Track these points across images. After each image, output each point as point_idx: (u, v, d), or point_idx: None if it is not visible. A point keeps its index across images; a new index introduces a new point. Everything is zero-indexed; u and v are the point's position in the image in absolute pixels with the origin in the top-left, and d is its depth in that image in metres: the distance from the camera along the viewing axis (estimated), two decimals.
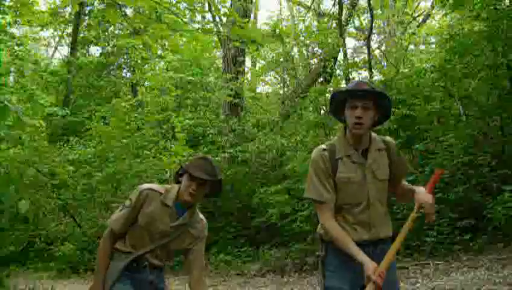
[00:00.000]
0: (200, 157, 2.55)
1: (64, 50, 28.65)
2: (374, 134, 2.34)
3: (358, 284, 2.14)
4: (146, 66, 15.57)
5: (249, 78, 15.69)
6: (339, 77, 10.85)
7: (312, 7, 14.14)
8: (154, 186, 2.53)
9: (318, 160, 2.27)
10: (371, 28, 10.14)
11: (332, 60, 10.72)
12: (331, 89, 10.45)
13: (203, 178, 2.39)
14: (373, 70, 9.53)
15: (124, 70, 18.65)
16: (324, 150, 2.28)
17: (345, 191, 2.24)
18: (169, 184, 2.62)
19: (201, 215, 2.62)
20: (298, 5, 16.07)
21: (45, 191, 11.16)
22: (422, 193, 2.23)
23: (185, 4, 5.27)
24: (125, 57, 17.38)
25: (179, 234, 2.48)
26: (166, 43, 13.26)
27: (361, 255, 2.13)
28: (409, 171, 2.62)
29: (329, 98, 2.45)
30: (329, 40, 10.49)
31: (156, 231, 2.45)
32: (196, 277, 2.55)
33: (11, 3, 10.70)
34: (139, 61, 15.56)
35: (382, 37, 15.81)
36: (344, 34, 10.71)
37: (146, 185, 2.52)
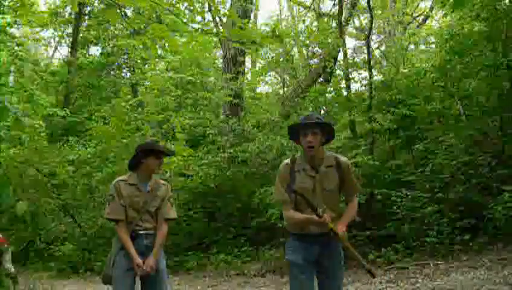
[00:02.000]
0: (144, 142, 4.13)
1: (64, 50, 28.72)
2: (329, 153, 3.04)
3: (308, 259, 2.97)
4: (146, 66, 15.56)
5: (249, 78, 15.68)
6: (338, 77, 10.84)
7: (312, 7, 14.14)
8: (119, 177, 3.49)
9: (282, 170, 3.01)
10: (371, 28, 10.12)
11: (332, 60, 10.71)
12: (331, 89, 10.46)
13: (160, 150, 3.58)
14: (373, 70, 9.51)
15: (124, 71, 18.64)
16: (287, 163, 3.01)
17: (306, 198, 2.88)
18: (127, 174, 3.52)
19: (163, 181, 3.60)
20: (298, 5, 16.07)
21: (45, 191, 11.16)
22: (340, 224, 2.93)
23: (185, 4, 5.28)
24: (125, 57, 17.38)
25: (151, 198, 3.42)
26: (166, 44, 13.28)
27: (309, 217, 2.87)
28: (358, 192, 3.30)
29: (287, 128, 3.16)
30: (329, 40, 10.48)
31: (136, 204, 3.37)
32: (159, 222, 3.44)
33: (11, 4, 10.71)
34: (139, 61, 15.56)
35: (382, 37, 15.82)
36: (344, 34, 10.69)
37: (115, 180, 3.46)
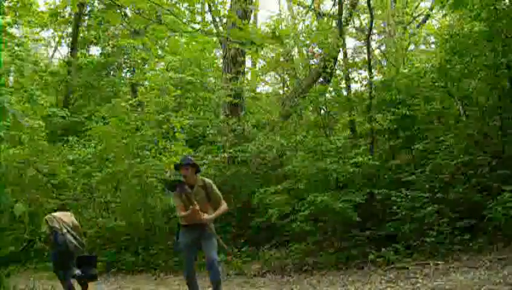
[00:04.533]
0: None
1: (64, 50, 28.70)
2: (200, 178, 4.91)
3: (192, 239, 4.81)
4: (146, 66, 15.56)
5: (249, 78, 15.67)
6: (338, 77, 10.84)
7: (312, 7, 14.13)
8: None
9: (177, 192, 4.78)
10: (371, 28, 10.12)
11: (332, 60, 10.71)
12: (331, 89, 10.46)
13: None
14: (373, 70, 9.51)
15: (124, 71, 18.63)
16: (181, 187, 4.73)
17: (186, 204, 4.72)
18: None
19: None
20: (298, 5, 16.06)
21: (45, 191, 11.15)
22: (207, 215, 4.78)
23: (185, 4, 5.28)
24: (125, 57, 17.37)
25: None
26: (166, 44, 13.28)
27: (189, 212, 4.70)
28: (220, 200, 4.96)
29: (174, 167, 5.21)
30: (329, 40, 10.48)
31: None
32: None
33: (11, 4, 10.70)
34: (139, 61, 15.55)
35: (382, 37, 15.80)
36: (344, 34, 10.69)
37: None
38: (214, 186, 4.87)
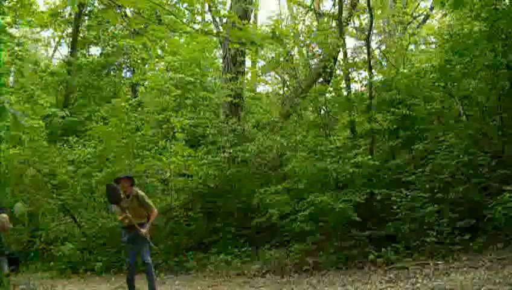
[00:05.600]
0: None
1: (64, 50, 28.72)
2: (135, 190, 6.01)
3: (129, 238, 5.88)
4: (146, 66, 15.56)
5: (249, 78, 15.67)
6: (338, 77, 10.83)
7: (312, 7, 14.13)
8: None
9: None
10: (371, 28, 10.12)
11: (332, 60, 10.71)
12: (331, 89, 10.46)
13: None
14: (373, 70, 9.50)
15: (124, 70, 18.64)
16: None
17: (124, 210, 5.82)
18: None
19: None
20: (298, 5, 16.07)
21: (45, 191, 11.15)
22: (144, 227, 5.85)
23: (185, 4, 5.28)
24: (125, 57, 17.37)
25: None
26: (166, 44, 13.27)
27: (124, 217, 5.84)
28: (150, 208, 6.02)
29: (114, 180, 6.19)
30: (329, 40, 10.47)
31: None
32: None
33: (10, 4, 10.70)
34: (139, 61, 15.55)
35: (382, 37, 15.80)
36: (344, 34, 10.68)
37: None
38: (145, 197, 6.06)
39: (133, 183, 6.10)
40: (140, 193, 6.04)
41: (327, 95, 10.02)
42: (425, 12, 16.45)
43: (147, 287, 5.85)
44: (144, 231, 5.76)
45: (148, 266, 5.74)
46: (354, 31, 14.82)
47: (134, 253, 5.94)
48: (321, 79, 11.90)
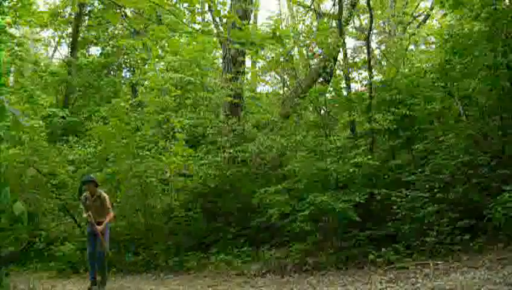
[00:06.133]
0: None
1: (64, 50, 28.70)
2: (99, 191, 6.97)
3: (90, 232, 6.92)
4: (146, 66, 15.56)
5: (249, 78, 15.67)
6: (338, 77, 10.84)
7: (312, 7, 14.12)
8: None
9: (82, 199, 7.04)
10: (371, 28, 10.12)
11: (332, 60, 10.71)
12: (331, 89, 10.46)
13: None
14: (373, 70, 9.51)
15: (124, 71, 18.65)
16: (85, 196, 6.97)
17: (87, 209, 6.90)
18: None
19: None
20: (298, 5, 16.06)
21: (45, 191, 11.15)
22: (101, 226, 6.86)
23: (185, 4, 5.28)
24: (125, 57, 17.37)
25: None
26: (167, 44, 13.28)
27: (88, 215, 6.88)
28: (107, 210, 6.83)
29: (81, 182, 7.74)
30: (329, 40, 10.47)
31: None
32: None
33: (10, 4, 10.69)
34: (139, 61, 15.55)
35: (382, 37, 15.81)
36: (344, 34, 10.68)
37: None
38: (107, 199, 6.91)
39: (97, 185, 7.02)
40: (103, 194, 6.96)
41: (327, 95, 10.01)
42: (425, 12, 16.45)
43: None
44: (99, 227, 6.75)
45: (100, 255, 6.78)
46: (354, 31, 14.82)
47: (94, 244, 6.90)
48: (321, 79, 11.90)
